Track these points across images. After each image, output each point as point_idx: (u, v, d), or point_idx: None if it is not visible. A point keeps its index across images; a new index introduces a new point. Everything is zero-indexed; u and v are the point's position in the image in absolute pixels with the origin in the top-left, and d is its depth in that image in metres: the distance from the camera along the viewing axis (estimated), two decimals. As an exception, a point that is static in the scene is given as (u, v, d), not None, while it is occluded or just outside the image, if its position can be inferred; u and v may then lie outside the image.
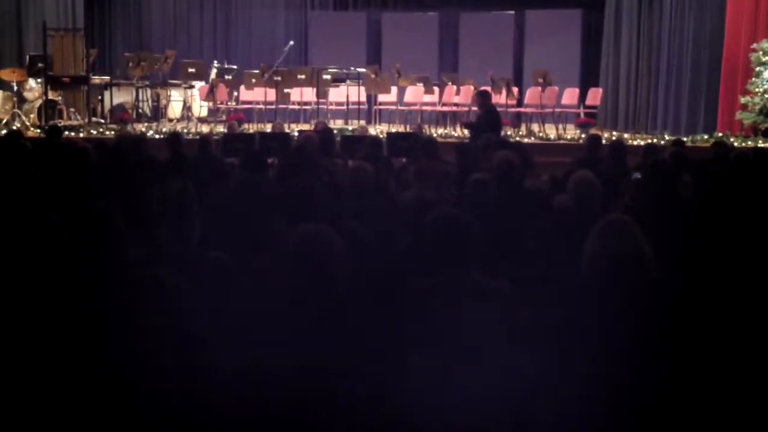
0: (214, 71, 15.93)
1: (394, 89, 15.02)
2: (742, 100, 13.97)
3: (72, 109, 14.22)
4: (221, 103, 15.12)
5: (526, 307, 3.32)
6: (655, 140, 13.06)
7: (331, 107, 15.20)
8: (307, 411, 2.83)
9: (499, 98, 14.10)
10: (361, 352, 2.94)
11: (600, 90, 15.51)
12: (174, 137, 8.44)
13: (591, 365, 2.99)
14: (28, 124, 13.79)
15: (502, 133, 11.50)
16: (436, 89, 15.11)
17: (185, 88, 15.53)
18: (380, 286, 3.71)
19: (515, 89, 14.80)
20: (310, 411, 2.83)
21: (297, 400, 2.83)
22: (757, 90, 13.71)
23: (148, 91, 15.45)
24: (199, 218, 3.69)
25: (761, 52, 13.72)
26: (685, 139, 13.65)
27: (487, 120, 10.61)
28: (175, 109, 15.65)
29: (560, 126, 14.51)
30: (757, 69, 13.81)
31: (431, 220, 3.50)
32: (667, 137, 13.45)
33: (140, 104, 15.28)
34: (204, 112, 15.82)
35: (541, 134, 14.09)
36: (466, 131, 12.20)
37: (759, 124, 13.74)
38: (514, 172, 6.07)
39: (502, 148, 7.26)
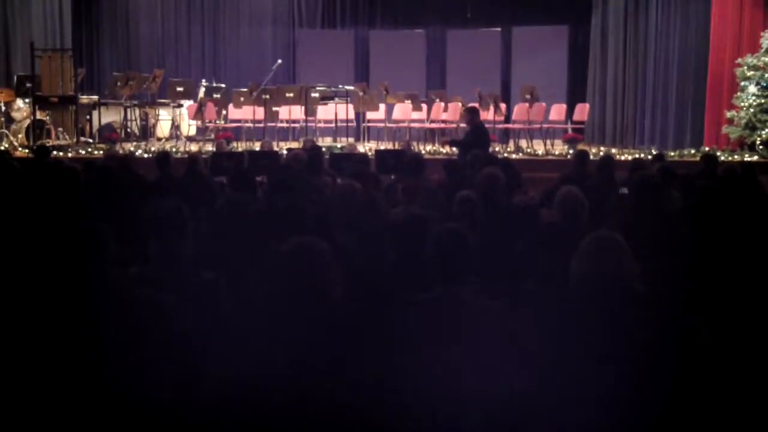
0: (202, 90, 15.95)
1: (382, 107, 15.07)
2: (728, 114, 14.07)
3: (60, 129, 14.21)
4: (210, 122, 15.12)
5: (515, 322, 3.33)
6: (642, 155, 13.10)
7: (319, 125, 15.22)
8: (304, 417, 2.84)
9: (487, 114, 14.16)
10: (357, 357, 2.96)
11: (587, 105, 15.59)
12: (162, 156, 8.44)
13: (580, 380, 3.00)
14: (16, 144, 13.76)
15: (490, 149, 11.52)
16: (424, 106, 15.16)
17: (174, 107, 15.54)
18: (371, 303, 3.71)
19: (503, 105, 14.85)
20: (308, 417, 2.84)
21: (295, 408, 2.84)
22: (742, 104, 13.81)
23: (137, 111, 15.45)
24: (191, 238, 3.69)
25: (746, 67, 13.83)
26: (672, 153, 13.79)
27: (474, 136, 10.61)
28: (163, 128, 15.65)
29: (548, 142, 14.57)
30: (742, 83, 13.92)
31: (436, 234, 3.51)
32: (654, 152, 13.51)
33: (129, 123, 15.28)
34: (192, 131, 15.83)
35: (529, 150, 14.15)
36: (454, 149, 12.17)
37: (745, 138, 13.84)
38: (498, 188, 6.08)
39: (489, 164, 7.28)
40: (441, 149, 13.88)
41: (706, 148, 13.82)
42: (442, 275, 3.36)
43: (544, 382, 3.05)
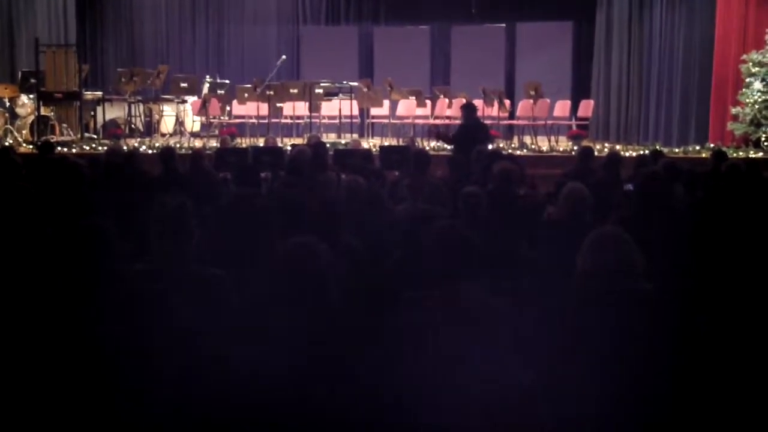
0: (206, 86, 15.95)
1: (386, 103, 15.04)
2: (733, 110, 14.04)
3: (64, 125, 14.22)
4: (214, 118, 15.13)
5: (519, 319, 3.32)
6: (646, 151, 13.08)
7: (323, 121, 15.22)
8: (304, 416, 2.84)
9: (492, 111, 14.15)
10: (355, 359, 2.96)
11: (591, 102, 15.56)
12: (167, 152, 8.42)
13: (583, 377, 3.00)
14: (20, 140, 13.79)
15: (491, 146, 11.40)
16: (428, 102, 15.15)
17: (178, 102, 15.55)
18: (375, 299, 3.71)
19: (507, 101, 14.83)
20: (308, 416, 2.84)
21: (295, 406, 2.84)
22: (747, 101, 13.78)
23: (141, 107, 15.46)
24: (195, 235, 3.69)
25: (751, 63, 13.80)
26: (676, 150, 13.77)
27: (463, 133, 10.41)
28: (167, 124, 15.67)
29: (552, 138, 14.55)
30: (747, 80, 13.89)
31: (435, 232, 3.50)
32: (659, 148, 13.50)
33: (133, 119, 15.29)
34: (196, 127, 15.84)
35: (533, 146, 14.12)
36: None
37: (750, 135, 13.81)
38: (512, 183, 6.10)
39: (494, 160, 7.28)
40: (445, 145, 13.83)
41: (711, 145, 13.80)
42: (444, 272, 3.35)
43: (548, 379, 3.05)
